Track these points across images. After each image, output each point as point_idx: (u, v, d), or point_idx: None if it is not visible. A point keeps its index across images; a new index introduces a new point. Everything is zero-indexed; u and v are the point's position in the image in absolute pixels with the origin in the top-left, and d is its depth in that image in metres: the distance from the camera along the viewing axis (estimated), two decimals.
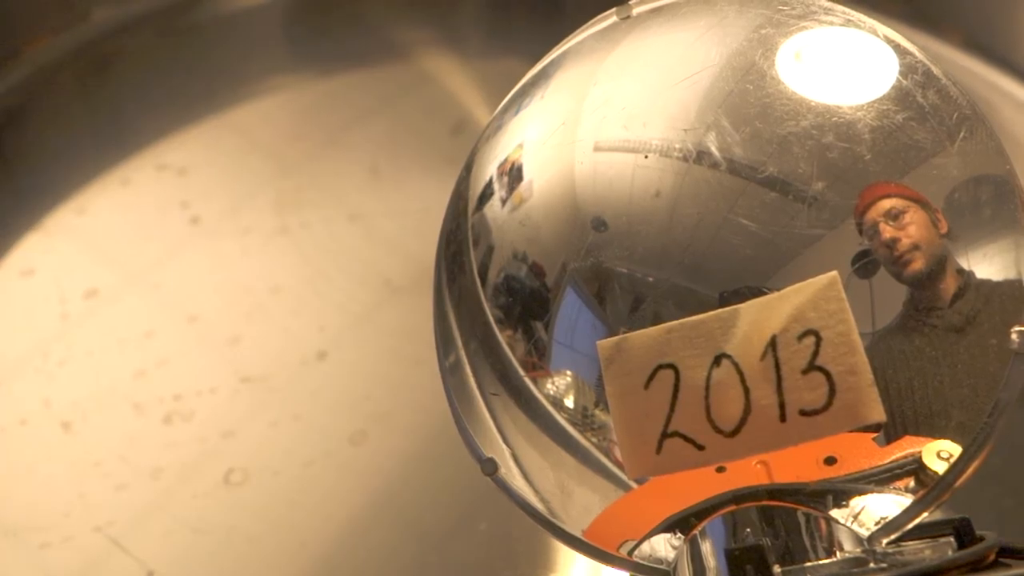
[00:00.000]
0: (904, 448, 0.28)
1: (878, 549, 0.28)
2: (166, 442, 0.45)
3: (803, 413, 0.28)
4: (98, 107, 0.58)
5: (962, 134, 0.30)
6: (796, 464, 0.28)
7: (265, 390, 0.47)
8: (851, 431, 0.28)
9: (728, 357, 0.28)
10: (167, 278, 0.50)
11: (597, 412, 0.29)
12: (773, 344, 0.28)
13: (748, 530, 0.29)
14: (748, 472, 0.29)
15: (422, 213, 0.52)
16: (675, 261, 0.29)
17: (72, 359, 0.48)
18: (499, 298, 0.31)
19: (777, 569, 0.28)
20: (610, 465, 0.29)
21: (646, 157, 0.30)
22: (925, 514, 0.29)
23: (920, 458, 0.29)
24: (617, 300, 0.29)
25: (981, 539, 0.28)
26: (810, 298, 0.28)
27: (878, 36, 0.31)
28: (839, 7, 0.31)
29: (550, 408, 0.30)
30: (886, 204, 0.28)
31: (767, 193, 0.29)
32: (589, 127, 0.31)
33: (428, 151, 0.55)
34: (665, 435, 0.28)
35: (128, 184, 0.53)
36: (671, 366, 0.28)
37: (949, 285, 0.29)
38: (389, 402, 0.47)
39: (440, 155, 0.55)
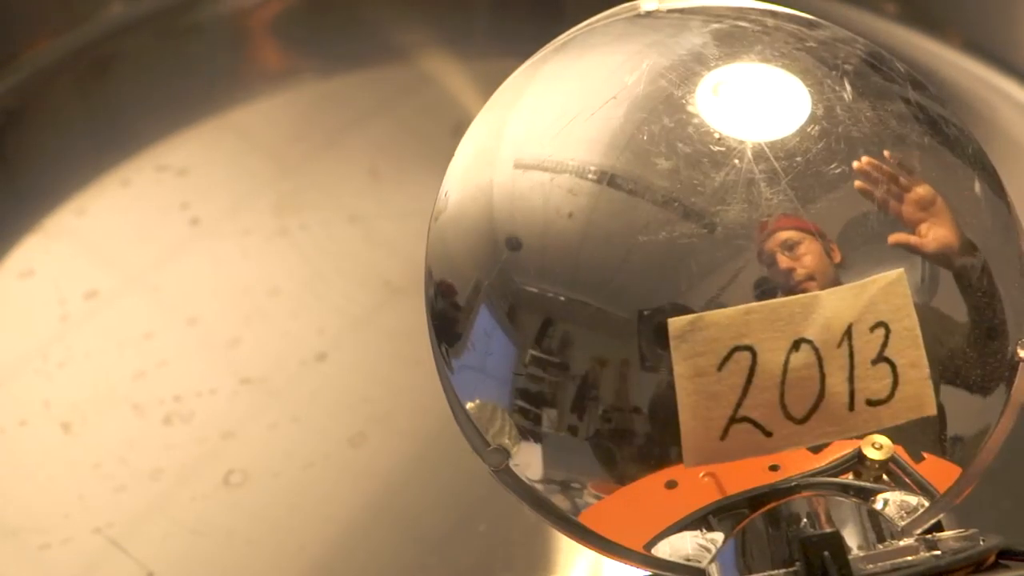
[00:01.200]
0: (839, 449, 0.29)
1: (918, 537, 0.29)
2: (166, 443, 0.45)
3: (869, 403, 0.28)
4: (98, 108, 0.58)
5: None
6: (744, 474, 0.29)
7: (264, 392, 0.47)
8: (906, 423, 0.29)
9: (808, 342, 0.28)
10: (167, 279, 0.50)
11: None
12: (849, 333, 0.28)
13: (804, 520, 0.29)
14: (697, 485, 0.29)
15: (422, 214, 0.52)
16: (588, 281, 0.29)
17: (72, 360, 0.48)
18: (433, 308, 0.31)
19: (858, 552, 0.28)
20: (622, 462, 0.29)
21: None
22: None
23: (860, 451, 0.29)
24: (527, 319, 0.29)
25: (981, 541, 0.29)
26: (882, 290, 0.28)
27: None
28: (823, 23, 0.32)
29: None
30: (783, 235, 0.29)
31: (677, 218, 0.29)
32: (512, 144, 0.31)
33: (428, 152, 0.55)
34: (733, 420, 0.28)
35: (128, 185, 0.53)
36: (749, 348, 0.28)
37: None
38: (388, 404, 0.47)
39: (440, 156, 0.54)
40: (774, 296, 0.28)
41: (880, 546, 0.29)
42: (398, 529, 0.43)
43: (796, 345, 0.28)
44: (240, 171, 0.54)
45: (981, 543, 0.28)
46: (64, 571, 0.43)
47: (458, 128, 0.56)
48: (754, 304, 0.28)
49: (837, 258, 0.29)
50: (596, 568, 0.43)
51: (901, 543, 0.29)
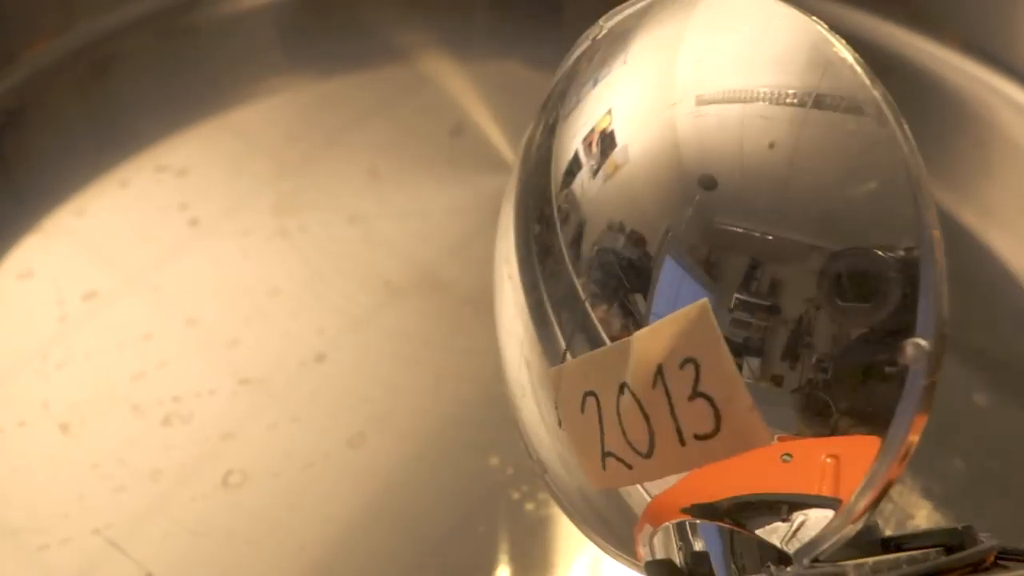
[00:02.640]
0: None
1: (805, 563, 0.28)
2: (165, 444, 0.45)
3: (697, 437, 0.28)
4: (97, 109, 0.58)
5: None
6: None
7: (264, 392, 0.47)
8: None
9: (627, 386, 0.29)
10: (166, 280, 0.50)
11: None
12: (660, 372, 0.28)
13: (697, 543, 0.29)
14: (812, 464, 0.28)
15: (421, 215, 0.53)
16: (794, 217, 0.28)
17: (71, 361, 0.48)
18: (593, 273, 0.30)
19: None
20: None
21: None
22: (851, 527, 0.28)
23: None
24: (730, 263, 0.28)
25: (980, 542, 0.29)
26: (683, 328, 0.28)
27: None
28: None
29: None
30: None
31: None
32: (688, 82, 0.29)
33: (427, 153, 0.55)
34: (604, 455, 0.30)
35: (127, 186, 0.54)
36: (593, 393, 0.30)
37: None
38: (388, 404, 0.47)
39: (439, 157, 0.55)
40: None
41: None
42: (398, 529, 0.43)
43: (621, 389, 0.29)
44: (240, 171, 0.54)
45: (980, 543, 0.28)
46: (63, 572, 0.43)
47: (457, 128, 0.56)
48: (587, 354, 0.30)
49: None
50: (596, 568, 0.43)
51: (783, 571, 0.28)
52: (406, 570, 0.43)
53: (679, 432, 0.28)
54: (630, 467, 0.29)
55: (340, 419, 0.46)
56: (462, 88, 0.57)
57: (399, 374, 0.48)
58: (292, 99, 0.57)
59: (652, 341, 0.28)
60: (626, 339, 0.29)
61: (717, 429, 0.28)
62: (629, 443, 0.29)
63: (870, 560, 0.27)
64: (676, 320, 0.28)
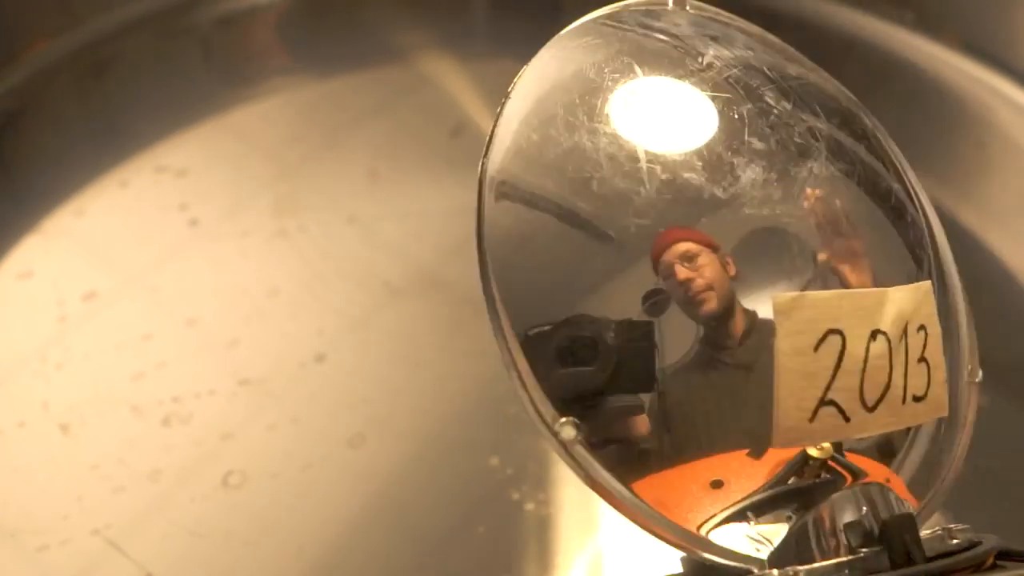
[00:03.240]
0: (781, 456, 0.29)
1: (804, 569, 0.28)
2: (164, 444, 0.45)
3: (915, 399, 0.29)
4: (96, 109, 0.58)
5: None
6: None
7: (263, 393, 0.47)
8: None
9: (883, 333, 0.29)
10: (166, 280, 0.50)
11: None
12: (906, 330, 0.29)
13: (865, 509, 0.29)
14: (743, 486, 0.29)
15: (421, 215, 0.53)
16: None
17: (70, 362, 0.48)
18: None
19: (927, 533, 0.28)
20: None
21: None
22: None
23: (804, 451, 0.29)
24: None
25: (980, 542, 0.29)
26: (922, 297, 0.29)
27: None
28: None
29: None
30: (681, 247, 0.29)
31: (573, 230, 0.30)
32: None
33: (427, 153, 0.55)
34: (823, 402, 0.28)
35: (127, 186, 0.53)
36: (839, 332, 0.29)
37: (738, 323, 0.29)
38: (387, 405, 0.47)
39: (439, 157, 0.55)
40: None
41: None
42: (397, 530, 0.43)
43: (874, 335, 0.29)
44: (239, 172, 0.54)
45: (980, 543, 0.28)
46: (63, 572, 0.43)
47: (457, 129, 0.56)
48: (843, 291, 0.29)
49: (733, 272, 0.29)
50: (596, 568, 0.43)
51: None
52: (406, 570, 0.43)
53: (905, 390, 0.29)
54: (848, 419, 0.29)
55: (340, 419, 0.46)
56: (462, 88, 0.57)
57: (399, 374, 0.48)
58: (292, 99, 0.57)
59: (908, 299, 0.29)
60: (883, 289, 0.29)
61: (926, 394, 0.29)
62: (861, 391, 0.29)
63: None
64: (918, 288, 0.29)
